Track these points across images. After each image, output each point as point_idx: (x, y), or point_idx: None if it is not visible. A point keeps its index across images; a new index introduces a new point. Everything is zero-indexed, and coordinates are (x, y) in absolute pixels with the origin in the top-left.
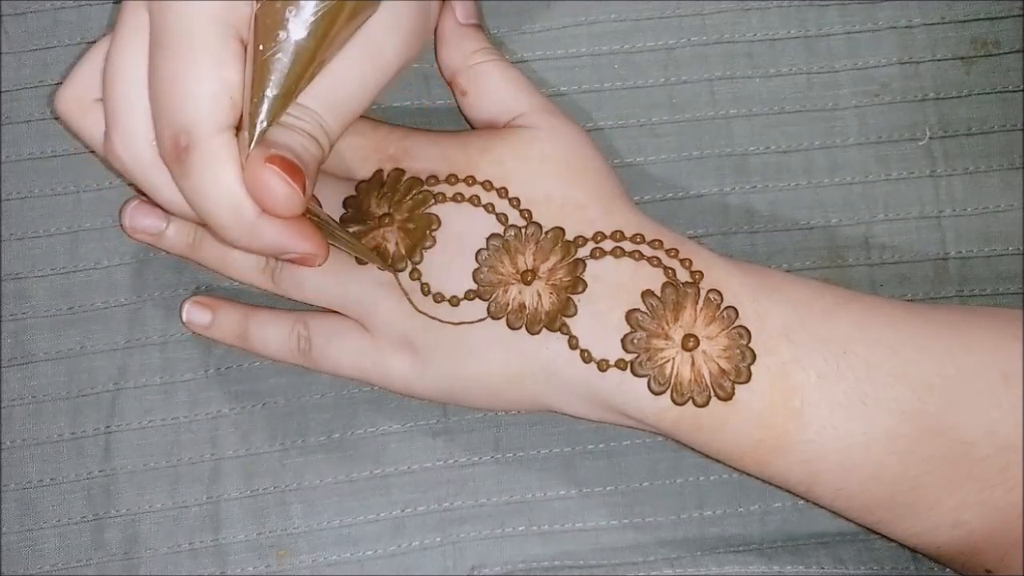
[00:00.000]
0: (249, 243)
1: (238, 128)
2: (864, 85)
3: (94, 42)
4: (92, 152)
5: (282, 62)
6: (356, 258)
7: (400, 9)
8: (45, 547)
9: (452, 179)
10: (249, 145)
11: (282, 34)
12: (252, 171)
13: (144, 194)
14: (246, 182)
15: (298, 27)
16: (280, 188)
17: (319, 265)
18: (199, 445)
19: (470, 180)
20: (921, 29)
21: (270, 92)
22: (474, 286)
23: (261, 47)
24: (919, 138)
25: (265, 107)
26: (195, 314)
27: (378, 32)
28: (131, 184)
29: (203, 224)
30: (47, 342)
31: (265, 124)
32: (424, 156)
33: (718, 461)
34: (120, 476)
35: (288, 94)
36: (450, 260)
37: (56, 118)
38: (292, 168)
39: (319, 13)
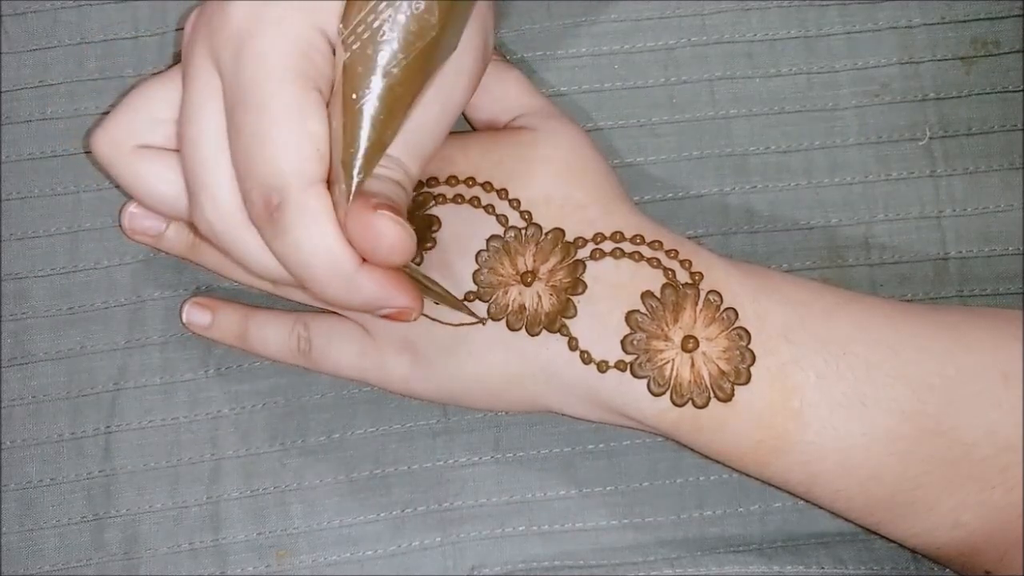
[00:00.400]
0: (348, 298)
1: (327, 182)
2: (864, 85)
3: (93, 43)
4: (129, 195)
5: (375, 106)
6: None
7: (466, 53)
8: (45, 547)
9: (452, 180)
10: (348, 197)
11: (374, 79)
12: (360, 220)
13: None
14: (352, 232)
15: (390, 69)
16: (394, 232)
17: (414, 319)
18: (199, 445)
19: (470, 182)
20: (921, 29)
21: (366, 140)
22: (474, 287)
23: (354, 95)
24: (919, 138)
25: (361, 156)
26: (195, 315)
27: (448, 77)
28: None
29: (298, 285)
30: (47, 342)
31: (362, 175)
32: None
33: (718, 462)
34: (120, 476)
35: (383, 142)
36: (450, 261)
37: (92, 159)
38: (398, 212)
39: (409, 52)
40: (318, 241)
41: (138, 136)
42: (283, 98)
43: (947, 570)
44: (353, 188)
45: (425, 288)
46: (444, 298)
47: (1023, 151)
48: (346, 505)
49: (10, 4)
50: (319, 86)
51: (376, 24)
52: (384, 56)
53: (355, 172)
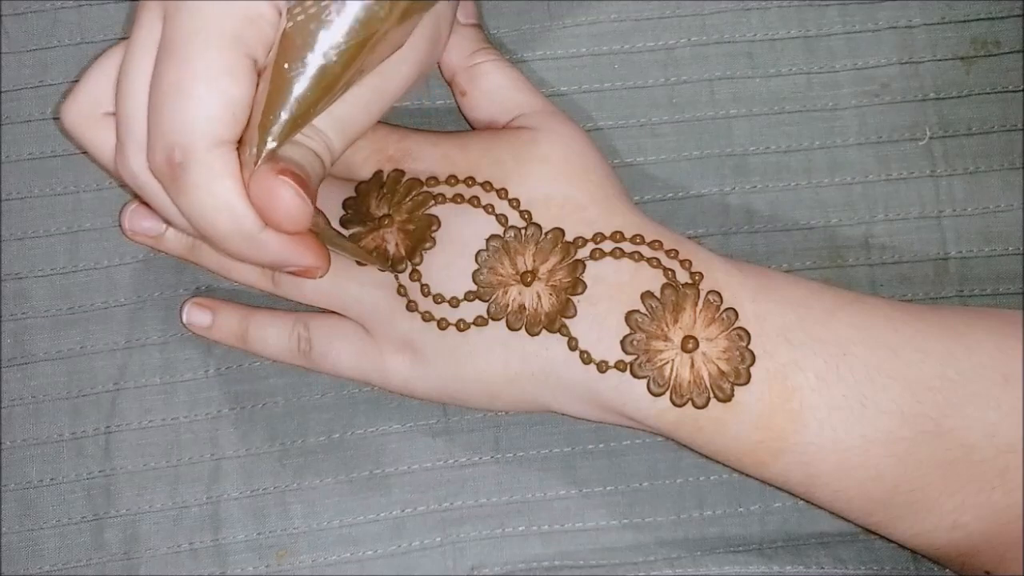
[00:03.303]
0: (252, 255)
1: (239, 143)
2: (864, 85)
3: (93, 43)
4: (99, 165)
5: (305, 83)
6: (356, 260)
7: (411, 45)
8: (45, 547)
9: (452, 180)
10: (256, 160)
11: (310, 56)
12: (261, 182)
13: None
14: (252, 194)
15: (328, 51)
16: (291, 199)
17: (320, 276)
18: (199, 445)
19: (470, 181)
20: (921, 29)
21: (287, 112)
22: (474, 287)
23: (287, 66)
24: (919, 138)
25: (279, 125)
26: (195, 315)
27: (390, 62)
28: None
29: (203, 238)
30: (47, 342)
31: (275, 143)
32: (424, 157)
33: (717, 462)
34: (120, 476)
35: (306, 115)
36: (450, 261)
37: (61, 128)
38: (301, 182)
39: (350, 40)
40: (220, 201)
41: (105, 104)
42: (209, 57)
43: (947, 570)
44: (264, 153)
45: (331, 243)
46: (353, 251)
47: (1023, 151)
48: (346, 505)
49: (10, 4)
50: (255, 54)
51: (325, 3)
52: (325, 37)
53: (269, 139)
